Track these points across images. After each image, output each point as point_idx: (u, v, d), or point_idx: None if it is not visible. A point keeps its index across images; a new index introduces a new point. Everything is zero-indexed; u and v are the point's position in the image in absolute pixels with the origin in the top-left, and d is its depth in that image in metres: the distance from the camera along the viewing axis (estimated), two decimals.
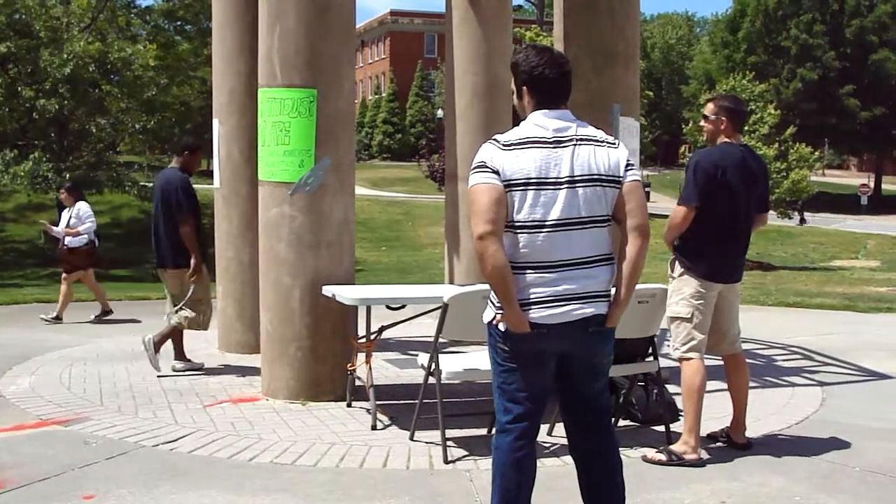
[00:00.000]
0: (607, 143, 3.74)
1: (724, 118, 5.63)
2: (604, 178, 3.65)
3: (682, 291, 5.60)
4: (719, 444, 5.83)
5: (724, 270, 5.60)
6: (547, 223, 3.59)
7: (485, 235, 3.54)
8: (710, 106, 5.73)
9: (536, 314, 3.60)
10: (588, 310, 3.64)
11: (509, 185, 3.59)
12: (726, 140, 5.63)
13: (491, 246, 3.54)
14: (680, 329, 5.61)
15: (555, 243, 3.60)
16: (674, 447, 5.53)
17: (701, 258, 5.54)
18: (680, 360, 5.67)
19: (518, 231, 3.62)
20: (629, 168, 3.73)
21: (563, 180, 3.60)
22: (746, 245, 5.73)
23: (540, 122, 3.70)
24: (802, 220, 29.94)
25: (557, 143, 3.65)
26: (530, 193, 3.59)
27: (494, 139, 3.70)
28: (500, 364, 3.75)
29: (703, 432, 5.66)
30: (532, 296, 3.61)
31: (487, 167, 3.61)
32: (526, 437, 3.72)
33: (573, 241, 3.62)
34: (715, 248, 5.52)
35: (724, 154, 5.56)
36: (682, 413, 6.42)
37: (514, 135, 3.69)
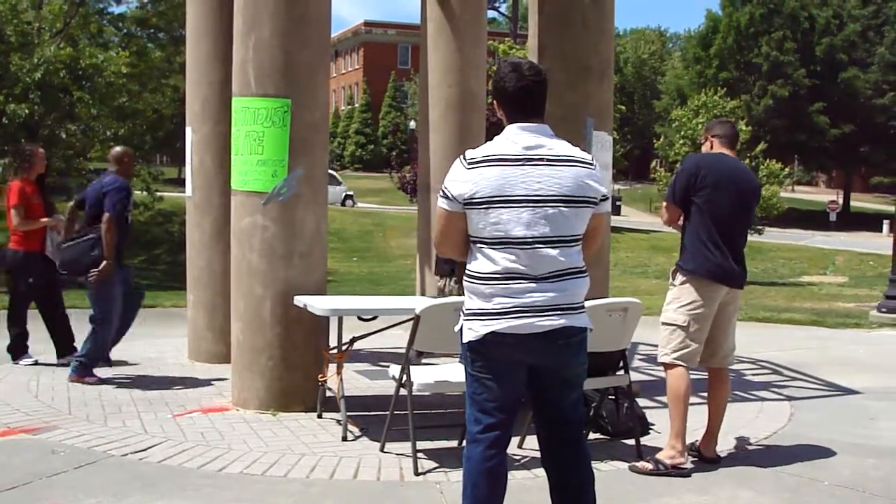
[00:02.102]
0: (579, 161, 3.71)
1: (709, 137, 5.87)
2: (570, 198, 3.64)
3: (680, 300, 5.64)
4: (689, 457, 5.85)
5: (725, 273, 5.59)
6: (512, 240, 3.60)
7: (440, 253, 4.01)
8: (704, 133, 6.03)
9: (503, 324, 3.61)
10: (557, 321, 3.63)
11: (471, 204, 3.61)
12: (720, 151, 5.80)
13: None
14: (674, 336, 5.63)
15: (521, 258, 3.60)
16: (660, 455, 5.56)
17: (700, 259, 5.57)
18: (665, 365, 5.70)
19: (484, 246, 3.64)
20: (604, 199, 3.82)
21: (527, 198, 3.59)
22: (741, 251, 5.73)
23: (512, 138, 3.69)
24: None
25: (527, 160, 3.63)
26: (492, 210, 3.59)
27: (463, 156, 3.70)
28: (470, 374, 3.75)
29: None
30: (498, 306, 3.61)
31: (448, 194, 3.67)
32: (497, 447, 3.72)
33: (540, 257, 3.61)
34: (711, 249, 5.56)
35: (712, 158, 5.73)
36: (652, 426, 6.48)
37: (480, 151, 3.68)
